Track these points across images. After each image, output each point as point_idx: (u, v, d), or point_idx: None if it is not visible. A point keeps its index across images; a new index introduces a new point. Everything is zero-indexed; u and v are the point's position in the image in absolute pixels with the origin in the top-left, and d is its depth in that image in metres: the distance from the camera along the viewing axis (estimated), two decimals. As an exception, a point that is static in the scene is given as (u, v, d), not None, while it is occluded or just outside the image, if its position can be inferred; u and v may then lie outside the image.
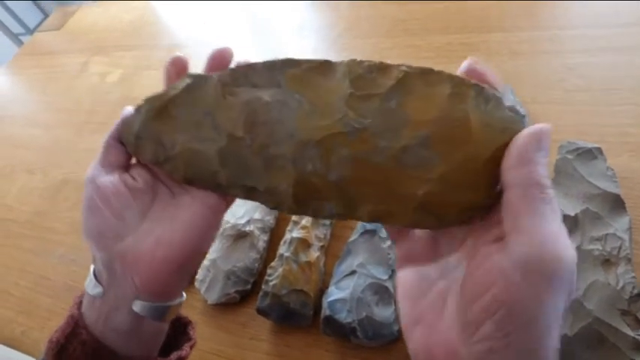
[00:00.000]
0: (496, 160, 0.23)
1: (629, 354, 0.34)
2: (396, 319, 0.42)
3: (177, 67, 0.32)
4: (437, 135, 0.24)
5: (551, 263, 0.20)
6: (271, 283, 0.46)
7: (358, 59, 0.26)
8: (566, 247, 0.21)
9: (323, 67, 0.27)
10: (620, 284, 0.36)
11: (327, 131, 0.26)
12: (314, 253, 0.48)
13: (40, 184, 0.75)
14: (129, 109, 0.32)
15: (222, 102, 0.29)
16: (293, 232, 0.49)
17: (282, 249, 0.48)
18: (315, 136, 0.26)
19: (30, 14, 2.24)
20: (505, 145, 0.23)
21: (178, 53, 0.32)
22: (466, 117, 0.24)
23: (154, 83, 0.85)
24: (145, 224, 0.30)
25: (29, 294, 0.61)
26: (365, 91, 0.26)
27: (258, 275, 0.51)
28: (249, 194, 0.29)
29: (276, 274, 0.47)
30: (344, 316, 0.42)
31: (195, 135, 0.30)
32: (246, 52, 0.83)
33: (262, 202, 0.29)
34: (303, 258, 0.47)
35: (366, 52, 0.72)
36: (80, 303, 0.31)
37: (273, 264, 0.48)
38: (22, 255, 0.66)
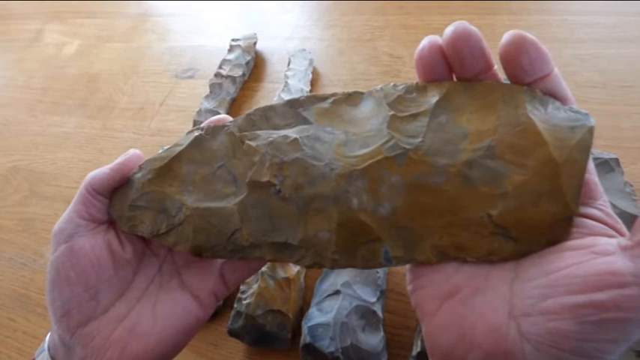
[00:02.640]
0: (574, 162, 0.20)
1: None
2: (385, 347, 0.37)
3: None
4: (502, 143, 0.21)
5: None
6: (245, 302, 0.41)
7: (392, 84, 0.24)
8: None
9: (353, 97, 0.25)
10: None
11: (371, 158, 0.23)
12: (293, 268, 0.42)
13: (-15, 172, 0.67)
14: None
15: (239, 148, 0.25)
16: (270, 244, 0.43)
17: (258, 262, 0.43)
18: (358, 165, 0.23)
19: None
20: (580, 144, 0.20)
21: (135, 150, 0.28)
22: (529, 120, 0.21)
23: (117, 57, 0.77)
24: (120, 305, 0.25)
25: (-30, 301, 0.54)
26: (408, 112, 0.23)
27: (230, 288, 0.45)
28: (279, 253, 0.24)
29: (251, 291, 0.41)
30: (326, 344, 0.37)
31: (207, 192, 0.25)
32: (224, 27, 0.75)
33: (297, 262, 0.24)
34: (281, 274, 0.42)
35: (355, 30, 0.65)
36: None
37: (247, 279, 0.42)
38: (-37, 255, 0.59)
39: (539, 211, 0.20)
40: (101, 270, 0.25)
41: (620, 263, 0.18)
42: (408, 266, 0.24)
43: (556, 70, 0.21)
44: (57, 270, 0.25)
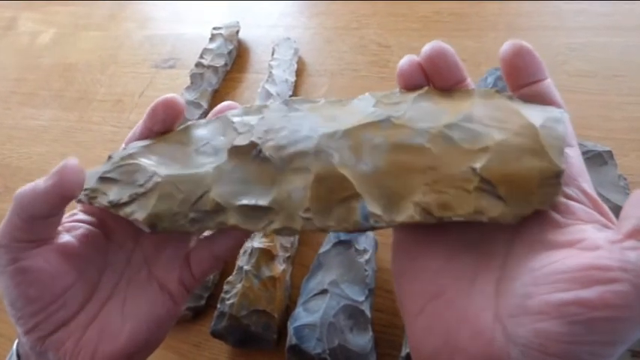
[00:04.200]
0: (551, 128, 0.21)
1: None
2: (374, 347, 0.36)
3: (167, 113, 0.26)
4: (480, 113, 0.22)
5: None
6: (228, 302, 0.39)
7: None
8: None
9: (342, 101, 0.26)
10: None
11: (357, 122, 0.23)
12: (279, 267, 0.41)
13: (-44, 167, 0.64)
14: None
15: (229, 127, 0.26)
16: (254, 241, 0.42)
17: (242, 260, 0.41)
18: (342, 127, 0.23)
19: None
20: (554, 117, 0.21)
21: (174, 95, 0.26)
22: (504, 102, 0.23)
23: (94, 46, 0.74)
24: (90, 306, 0.24)
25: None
26: (392, 101, 0.24)
27: (214, 287, 0.44)
28: (246, 218, 0.23)
29: (234, 291, 0.40)
30: (313, 345, 0.36)
31: (185, 164, 0.24)
32: (205, 15, 0.72)
33: (264, 227, 0.23)
34: (266, 272, 0.40)
35: (341, 18, 0.63)
36: None
37: (230, 278, 0.41)
38: None
39: (523, 166, 0.20)
40: (64, 279, 0.24)
41: (608, 257, 0.17)
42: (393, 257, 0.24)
43: (550, 80, 0.22)
44: (13, 292, 0.23)
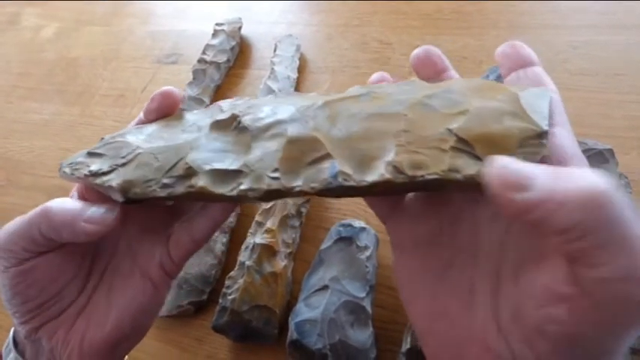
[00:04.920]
0: (536, 97, 0.20)
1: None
2: (374, 343, 0.37)
3: (163, 103, 0.27)
4: (462, 86, 0.22)
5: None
6: (230, 298, 0.40)
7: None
8: None
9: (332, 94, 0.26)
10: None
11: (337, 97, 0.24)
12: (280, 262, 0.41)
13: (-40, 161, 0.64)
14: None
15: (216, 110, 0.26)
16: (256, 237, 0.42)
17: (244, 256, 0.42)
18: (323, 100, 0.24)
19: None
20: (541, 91, 0.21)
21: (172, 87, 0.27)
22: (490, 81, 0.22)
23: (96, 41, 0.74)
24: (81, 297, 0.25)
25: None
26: (378, 85, 0.24)
27: (215, 282, 0.44)
28: (215, 181, 0.23)
29: (236, 286, 0.40)
30: (313, 341, 0.36)
31: (168, 140, 0.25)
32: (208, 11, 0.72)
33: (232, 190, 0.22)
34: (267, 268, 0.41)
35: (343, 15, 0.63)
36: None
37: (232, 274, 0.41)
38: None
39: (503, 127, 0.19)
40: (62, 277, 0.24)
41: (563, 275, 0.16)
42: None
43: (540, 68, 0.23)
44: (11, 291, 0.23)
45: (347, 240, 0.41)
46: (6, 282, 0.23)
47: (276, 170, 0.22)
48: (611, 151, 0.39)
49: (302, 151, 0.22)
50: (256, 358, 0.40)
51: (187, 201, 0.26)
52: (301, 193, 0.21)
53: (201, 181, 0.23)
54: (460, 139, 0.20)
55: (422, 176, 0.20)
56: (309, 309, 0.38)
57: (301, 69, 0.58)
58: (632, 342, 0.29)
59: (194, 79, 0.58)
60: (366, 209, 0.45)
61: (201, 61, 0.60)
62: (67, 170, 0.25)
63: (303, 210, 0.45)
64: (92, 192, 0.25)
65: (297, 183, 0.21)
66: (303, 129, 0.23)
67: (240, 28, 0.63)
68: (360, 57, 0.57)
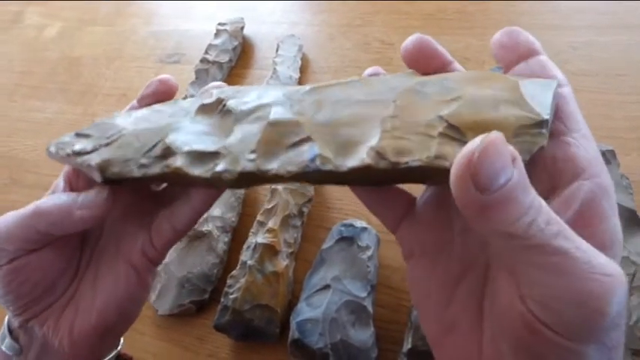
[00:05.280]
0: (539, 85, 0.18)
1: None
2: (375, 342, 0.37)
3: (159, 88, 0.27)
4: (459, 76, 0.20)
5: (585, 321, 0.15)
6: (232, 297, 0.40)
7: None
8: (602, 291, 0.14)
9: None
10: (633, 319, 0.32)
11: (325, 83, 0.23)
12: (282, 262, 0.42)
13: (-37, 159, 0.65)
14: None
15: (207, 96, 0.25)
16: (258, 237, 0.42)
17: (246, 255, 0.42)
18: (311, 85, 0.23)
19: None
20: (545, 81, 0.18)
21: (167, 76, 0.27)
22: (486, 71, 0.21)
23: (99, 40, 0.74)
24: (71, 287, 0.26)
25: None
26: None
27: (217, 282, 0.44)
28: (191, 162, 0.22)
29: (238, 285, 0.40)
30: (315, 340, 0.37)
31: (155, 123, 0.25)
32: (210, 10, 0.72)
33: (206, 172, 0.22)
34: (269, 268, 0.41)
35: (345, 15, 0.63)
36: None
37: (234, 273, 0.41)
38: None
39: (498, 115, 0.18)
40: (54, 271, 0.25)
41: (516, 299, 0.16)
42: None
43: (544, 57, 0.20)
44: (4, 288, 0.24)
45: (348, 240, 0.41)
46: (1, 280, 0.24)
47: (253, 152, 0.21)
48: (612, 152, 0.39)
49: (282, 134, 0.21)
50: (258, 357, 0.41)
51: (163, 182, 0.25)
52: (277, 178, 0.20)
53: (177, 162, 0.22)
54: (450, 126, 0.18)
55: (405, 163, 0.18)
56: (311, 308, 0.38)
57: (303, 69, 0.58)
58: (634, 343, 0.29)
59: (197, 78, 0.59)
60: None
61: (203, 60, 0.60)
62: (53, 149, 0.25)
63: (305, 210, 0.45)
64: (80, 177, 0.26)
65: (273, 166, 0.20)
66: (286, 112, 0.22)
67: (242, 28, 0.64)
68: (362, 57, 0.57)
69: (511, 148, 0.14)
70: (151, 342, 0.43)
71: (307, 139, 0.20)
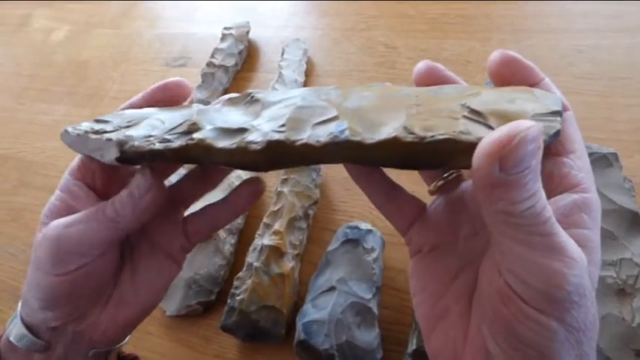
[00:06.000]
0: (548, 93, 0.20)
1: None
2: (380, 343, 0.37)
3: (173, 90, 0.27)
4: (472, 85, 0.22)
5: (548, 293, 0.17)
6: (238, 298, 0.40)
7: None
8: (562, 268, 0.17)
9: None
10: (637, 320, 0.32)
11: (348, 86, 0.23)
12: (288, 264, 0.42)
13: (-27, 161, 0.66)
14: None
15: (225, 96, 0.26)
16: (264, 239, 0.43)
17: (252, 257, 0.42)
18: (334, 86, 0.24)
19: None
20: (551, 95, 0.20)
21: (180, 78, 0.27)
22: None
23: (106, 43, 0.75)
24: (107, 288, 0.26)
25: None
26: None
27: (224, 283, 0.45)
28: (222, 136, 0.22)
29: (244, 287, 0.41)
30: (321, 341, 0.37)
31: (181, 110, 0.25)
32: (215, 14, 0.73)
33: (232, 144, 0.21)
34: (275, 269, 0.41)
35: (349, 19, 0.63)
36: None
37: (240, 274, 0.42)
38: (-49, 246, 0.58)
39: (516, 106, 0.19)
40: (108, 273, 0.26)
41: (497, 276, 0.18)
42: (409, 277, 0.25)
43: (547, 80, 0.21)
44: (65, 295, 0.24)
45: (354, 242, 0.41)
46: (52, 288, 0.24)
47: (282, 126, 0.21)
48: (615, 155, 0.39)
49: (311, 114, 0.22)
50: (264, 357, 0.41)
51: (181, 162, 0.24)
52: (307, 149, 0.20)
53: (203, 135, 0.22)
54: (473, 111, 0.19)
55: (432, 136, 0.19)
56: (317, 310, 0.39)
57: (308, 72, 0.59)
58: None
59: (203, 82, 0.59)
60: (372, 211, 0.45)
61: (209, 64, 0.61)
62: (70, 129, 0.24)
63: (311, 212, 0.46)
64: (89, 170, 0.26)
65: (302, 136, 0.21)
66: (315, 100, 0.22)
67: (247, 32, 0.64)
68: (366, 61, 0.58)
69: (540, 139, 0.16)
70: (158, 342, 0.43)
71: (335, 118, 0.21)
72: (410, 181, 0.28)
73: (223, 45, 0.62)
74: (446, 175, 0.25)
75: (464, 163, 0.18)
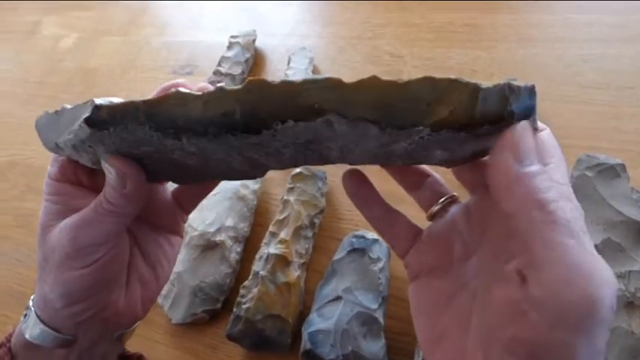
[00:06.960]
0: None
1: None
2: (386, 354, 0.37)
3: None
4: None
5: (582, 306, 0.16)
6: (244, 307, 0.40)
7: None
8: (601, 282, 0.16)
9: None
10: (645, 333, 0.32)
11: None
12: (294, 273, 0.42)
13: (-19, 167, 0.66)
14: None
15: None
16: (270, 247, 0.43)
17: (258, 266, 0.42)
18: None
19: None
20: None
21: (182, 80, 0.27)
22: None
23: (114, 51, 0.76)
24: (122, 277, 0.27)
25: (-35, 299, 0.54)
26: None
27: (230, 291, 0.45)
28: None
29: (250, 295, 0.41)
30: (327, 351, 0.37)
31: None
32: (222, 22, 0.73)
33: (207, 100, 0.19)
34: (281, 278, 0.41)
35: (355, 28, 0.64)
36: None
37: (246, 283, 0.42)
38: (-41, 252, 0.58)
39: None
40: (124, 259, 0.27)
41: (514, 289, 0.17)
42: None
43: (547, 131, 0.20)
44: (92, 286, 0.25)
45: (360, 251, 0.42)
46: (78, 281, 0.24)
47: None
48: (622, 165, 0.39)
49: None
50: (269, 366, 0.41)
51: (157, 128, 0.21)
52: (286, 87, 0.19)
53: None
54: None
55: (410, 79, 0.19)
56: (322, 319, 0.39)
57: (314, 81, 0.59)
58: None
59: (209, 90, 0.59)
60: (378, 221, 0.45)
61: (216, 72, 0.61)
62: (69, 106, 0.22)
63: (317, 221, 0.46)
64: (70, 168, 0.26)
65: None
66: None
67: (254, 40, 0.65)
68: (371, 70, 0.58)
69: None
70: (164, 350, 0.44)
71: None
72: (411, 208, 0.28)
73: (230, 53, 0.63)
74: (442, 200, 0.26)
75: (444, 115, 0.18)
